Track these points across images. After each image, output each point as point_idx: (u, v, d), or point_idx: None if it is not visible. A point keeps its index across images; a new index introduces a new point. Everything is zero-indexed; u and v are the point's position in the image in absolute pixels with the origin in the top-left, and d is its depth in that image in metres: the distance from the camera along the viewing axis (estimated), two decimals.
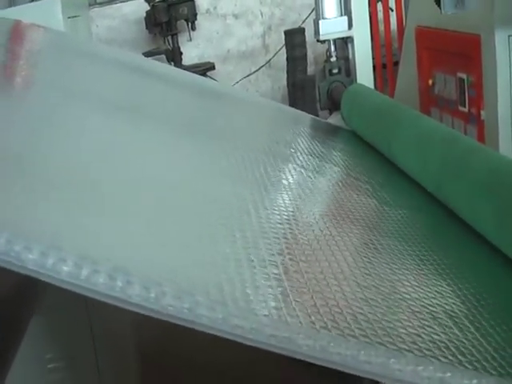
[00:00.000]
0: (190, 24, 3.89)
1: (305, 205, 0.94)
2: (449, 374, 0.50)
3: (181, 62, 3.86)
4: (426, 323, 0.61)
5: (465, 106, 1.75)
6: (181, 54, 3.89)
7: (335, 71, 1.88)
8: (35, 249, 0.46)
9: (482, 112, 1.64)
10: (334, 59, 1.90)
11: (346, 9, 1.88)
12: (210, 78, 3.55)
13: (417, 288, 0.71)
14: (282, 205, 0.89)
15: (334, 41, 1.91)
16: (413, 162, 1.14)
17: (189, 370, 1.69)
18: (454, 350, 0.56)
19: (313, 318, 0.55)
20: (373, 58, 2.66)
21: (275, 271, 0.63)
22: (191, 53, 4.12)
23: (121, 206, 0.67)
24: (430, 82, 1.95)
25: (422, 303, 0.66)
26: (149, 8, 3.78)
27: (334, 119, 1.71)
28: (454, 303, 0.69)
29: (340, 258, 0.73)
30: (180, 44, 3.90)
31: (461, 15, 1.42)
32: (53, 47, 1.57)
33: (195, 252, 0.62)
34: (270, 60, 4.16)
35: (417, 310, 0.63)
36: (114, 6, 4.09)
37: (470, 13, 1.40)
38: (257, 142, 1.26)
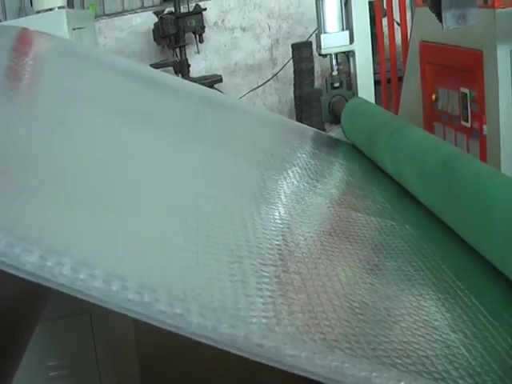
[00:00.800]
0: (197, 36, 3.91)
1: (301, 218, 0.94)
2: None
3: (188, 74, 3.87)
4: (414, 340, 0.61)
5: (467, 121, 1.75)
6: (188, 66, 3.91)
7: (337, 85, 1.89)
8: (35, 251, 0.48)
9: (484, 127, 1.64)
10: (335, 73, 1.91)
11: (347, 23, 1.89)
12: (217, 90, 3.56)
13: (408, 304, 0.71)
14: (278, 217, 0.89)
15: (336, 55, 1.92)
16: (411, 175, 1.14)
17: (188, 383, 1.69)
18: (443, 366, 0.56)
19: (301, 329, 0.55)
20: (378, 73, 2.66)
21: (267, 281, 0.63)
22: (199, 65, 4.14)
23: (120, 212, 0.68)
24: (434, 96, 1.96)
25: (412, 319, 0.66)
26: (157, 20, 3.80)
27: (335, 132, 1.72)
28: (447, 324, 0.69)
29: (332, 273, 0.74)
30: (188, 56, 3.92)
31: (463, 30, 1.43)
32: (60, 53, 1.59)
33: (188, 259, 0.63)
34: (277, 73, 4.17)
35: (404, 325, 0.63)
36: (123, 17, 4.12)
37: (473, 28, 1.41)
38: (256, 154, 1.26)
